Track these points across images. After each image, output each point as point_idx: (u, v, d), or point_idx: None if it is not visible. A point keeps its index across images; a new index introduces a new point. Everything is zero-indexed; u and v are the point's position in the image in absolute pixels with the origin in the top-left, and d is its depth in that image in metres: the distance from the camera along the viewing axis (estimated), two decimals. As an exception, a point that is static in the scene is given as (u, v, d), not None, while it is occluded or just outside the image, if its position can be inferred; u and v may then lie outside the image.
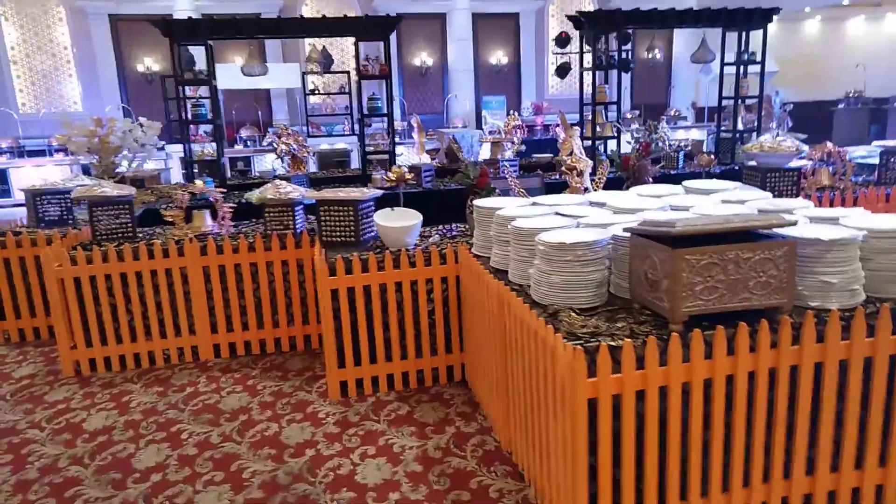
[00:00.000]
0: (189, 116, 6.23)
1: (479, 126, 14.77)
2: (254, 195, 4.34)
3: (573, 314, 2.57)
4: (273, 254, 4.33)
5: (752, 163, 4.70)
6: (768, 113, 7.20)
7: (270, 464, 3.13)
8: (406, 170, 4.18)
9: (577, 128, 3.94)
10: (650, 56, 14.34)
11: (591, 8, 15.75)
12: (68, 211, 5.13)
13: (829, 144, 5.14)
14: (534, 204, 3.56)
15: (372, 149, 6.68)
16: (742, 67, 6.97)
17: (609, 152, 6.85)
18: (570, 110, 14.11)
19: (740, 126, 7.10)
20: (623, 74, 7.79)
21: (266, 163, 10.79)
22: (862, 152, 6.53)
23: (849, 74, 15.28)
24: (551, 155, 7.60)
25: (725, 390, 2.33)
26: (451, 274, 3.76)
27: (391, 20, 6.16)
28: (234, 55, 14.22)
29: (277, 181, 4.44)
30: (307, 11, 14.44)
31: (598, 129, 6.81)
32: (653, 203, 3.38)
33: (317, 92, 12.65)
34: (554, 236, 2.71)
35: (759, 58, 6.92)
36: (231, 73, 12.62)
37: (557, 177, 6.54)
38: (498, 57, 15.17)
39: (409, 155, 10.63)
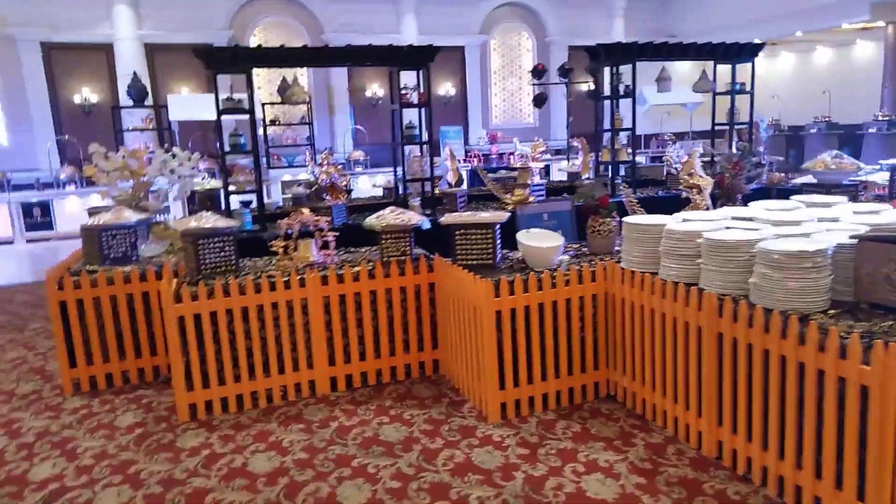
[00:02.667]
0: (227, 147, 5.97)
1: (435, 154, 14.97)
2: (372, 221, 4.26)
3: (823, 317, 2.77)
4: (392, 280, 4.26)
5: (809, 179, 5.17)
6: (756, 138, 7.87)
7: (488, 488, 3.07)
8: (528, 192, 4.26)
9: (698, 149, 4.21)
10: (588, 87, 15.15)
11: (529, 43, 16.52)
12: (132, 247, 4.78)
13: (851, 163, 5.72)
14: (684, 220, 3.76)
15: (409, 177, 6.66)
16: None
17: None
18: (521, 138, 14.54)
19: (734, 150, 7.70)
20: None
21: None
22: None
23: (762, 104, 16.89)
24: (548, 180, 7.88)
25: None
26: (601, 291, 3.88)
27: (431, 50, 6.23)
28: (181, 86, 13.67)
29: (392, 207, 4.38)
30: (254, 42, 14.15)
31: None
32: (799, 215, 3.67)
33: (277, 122, 12.41)
34: (787, 245, 2.90)
35: (748, 87, 7.60)
36: (181, 104, 12.15)
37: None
38: (446, 88, 15.50)
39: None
